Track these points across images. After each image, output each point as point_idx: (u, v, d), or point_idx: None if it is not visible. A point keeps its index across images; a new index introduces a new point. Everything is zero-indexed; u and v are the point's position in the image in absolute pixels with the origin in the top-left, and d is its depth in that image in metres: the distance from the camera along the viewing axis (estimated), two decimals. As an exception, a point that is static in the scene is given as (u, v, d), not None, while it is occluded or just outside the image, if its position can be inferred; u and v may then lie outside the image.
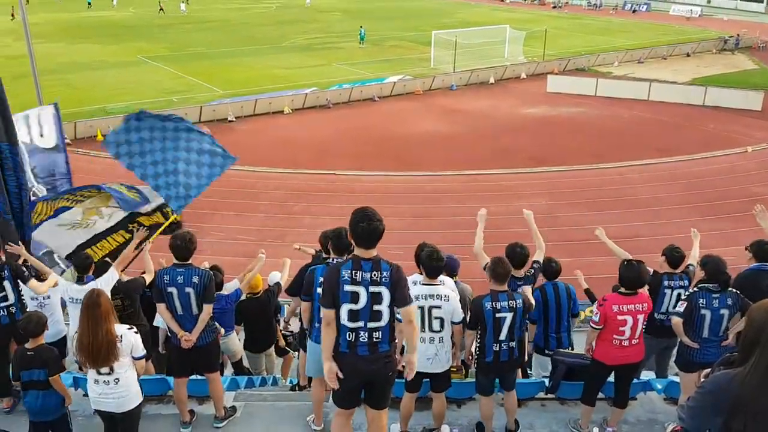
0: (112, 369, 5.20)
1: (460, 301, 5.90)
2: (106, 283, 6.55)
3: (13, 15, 52.93)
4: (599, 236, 7.01)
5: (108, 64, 39.96)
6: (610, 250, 6.97)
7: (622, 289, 5.87)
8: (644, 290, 6.04)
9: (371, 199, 20.23)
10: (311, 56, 43.31)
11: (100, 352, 5.09)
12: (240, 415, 6.53)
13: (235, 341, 8.14)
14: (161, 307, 5.95)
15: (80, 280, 6.74)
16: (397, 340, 4.93)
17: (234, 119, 28.84)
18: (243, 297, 7.91)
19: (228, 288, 7.86)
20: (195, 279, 5.87)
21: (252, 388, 7.55)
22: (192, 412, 6.43)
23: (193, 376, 6.42)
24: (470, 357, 6.06)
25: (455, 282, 6.62)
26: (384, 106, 32.37)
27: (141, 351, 5.38)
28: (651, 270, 6.81)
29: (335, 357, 4.72)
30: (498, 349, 5.74)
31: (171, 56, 42.80)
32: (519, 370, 6.63)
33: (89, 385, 5.37)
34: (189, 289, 5.87)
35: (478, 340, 5.86)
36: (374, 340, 4.65)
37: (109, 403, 5.32)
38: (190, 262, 5.98)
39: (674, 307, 6.63)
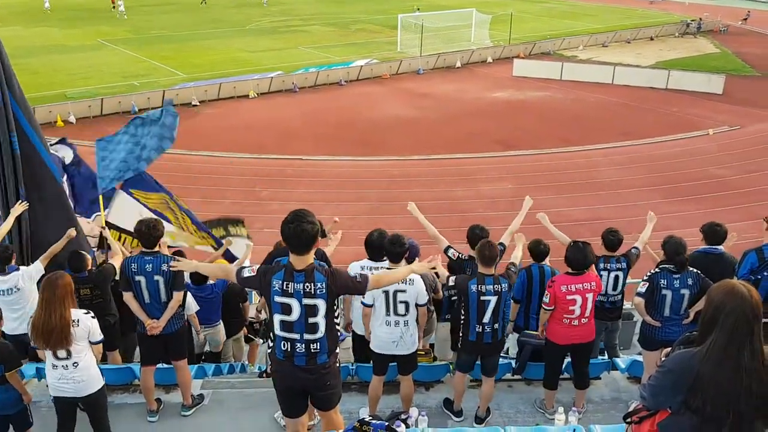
0: (69, 353, 5.12)
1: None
2: (29, 275, 6.41)
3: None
4: (541, 220, 7.07)
5: (67, 48, 39.01)
6: (552, 234, 7.05)
7: (570, 270, 5.97)
8: (592, 270, 6.15)
9: (338, 183, 20.20)
10: (276, 39, 42.83)
11: (51, 334, 5.00)
12: (208, 403, 6.48)
13: (221, 332, 8.07)
14: (128, 296, 5.85)
15: (2, 271, 6.46)
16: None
17: (198, 103, 28.42)
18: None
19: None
20: (164, 267, 5.78)
21: (219, 375, 7.50)
22: (159, 400, 6.37)
23: (160, 365, 6.35)
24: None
25: None
26: (351, 90, 32.20)
27: (98, 335, 5.32)
28: None
29: (272, 362, 4.73)
30: (481, 330, 5.83)
31: (132, 39, 41.93)
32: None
33: (47, 370, 5.26)
34: (158, 277, 5.78)
35: (462, 319, 5.94)
36: (312, 351, 4.53)
37: (68, 389, 5.22)
38: (157, 249, 5.89)
39: (613, 289, 6.82)
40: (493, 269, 5.82)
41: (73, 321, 5.09)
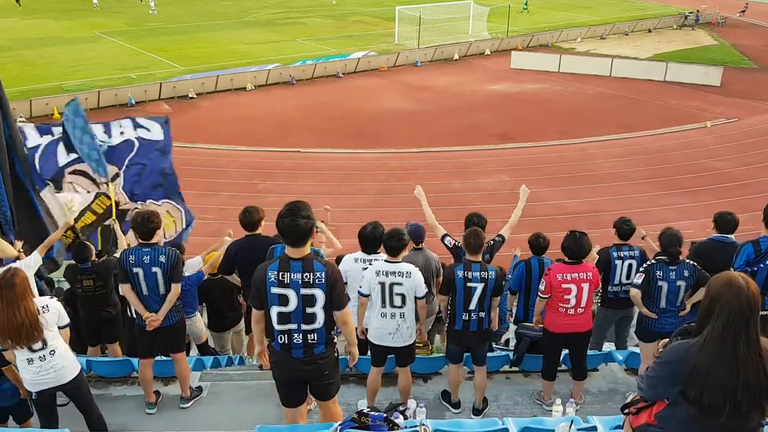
0: (45, 342, 5.05)
1: (427, 270, 5.97)
2: (26, 265, 6.31)
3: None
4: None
5: (63, 39, 38.81)
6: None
7: (566, 259, 6.01)
8: (589, 261, 6.17)
9: (336, 176, 20.18)
10: (274, 31, 42.69)
11: (21, 331, 4.92)
12: (206, 395, 6.50)
13: (199, 323, 8.07)
14: (126, 288, 5.85)
15: None
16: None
17: (195, 96, 28.34)
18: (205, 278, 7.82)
19: (191, 265, 7.77)
20: (162, 258, 5.77)
21: (218, 367, 7.52)
22: (157, 393, 6.38)
23: (158, 357, 6.36)
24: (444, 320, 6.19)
25: (422, 249, 6.74)
26: (348, 82, 32.12)
27: (66, 319, 5.26)
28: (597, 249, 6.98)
29: (271, 353, 4.76)
30: (467, 318, 5.85)
31: (129, 31, 41.75)
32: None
33: (22, 368, 5.14)
34: (156, 269, 5.77)
35: (449, 308, 5.97)
36: (309, 341, 4.56)
37: (49, 379, 5.14)
38: (154, 241, 5.89)
39: (627, 278, 6.85)
40: (480, 256, 5.85)
41: (43, 307, 5.04)
